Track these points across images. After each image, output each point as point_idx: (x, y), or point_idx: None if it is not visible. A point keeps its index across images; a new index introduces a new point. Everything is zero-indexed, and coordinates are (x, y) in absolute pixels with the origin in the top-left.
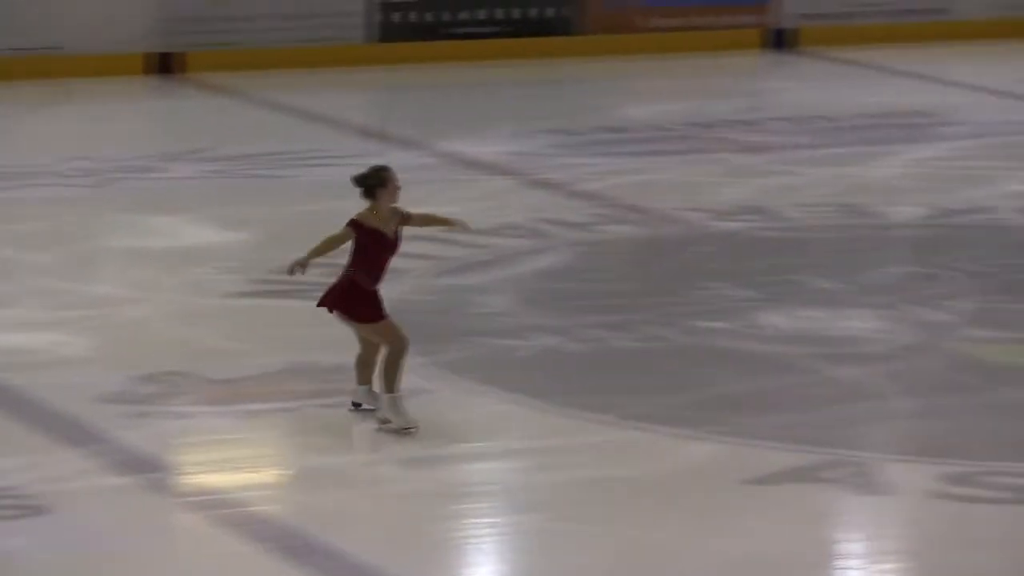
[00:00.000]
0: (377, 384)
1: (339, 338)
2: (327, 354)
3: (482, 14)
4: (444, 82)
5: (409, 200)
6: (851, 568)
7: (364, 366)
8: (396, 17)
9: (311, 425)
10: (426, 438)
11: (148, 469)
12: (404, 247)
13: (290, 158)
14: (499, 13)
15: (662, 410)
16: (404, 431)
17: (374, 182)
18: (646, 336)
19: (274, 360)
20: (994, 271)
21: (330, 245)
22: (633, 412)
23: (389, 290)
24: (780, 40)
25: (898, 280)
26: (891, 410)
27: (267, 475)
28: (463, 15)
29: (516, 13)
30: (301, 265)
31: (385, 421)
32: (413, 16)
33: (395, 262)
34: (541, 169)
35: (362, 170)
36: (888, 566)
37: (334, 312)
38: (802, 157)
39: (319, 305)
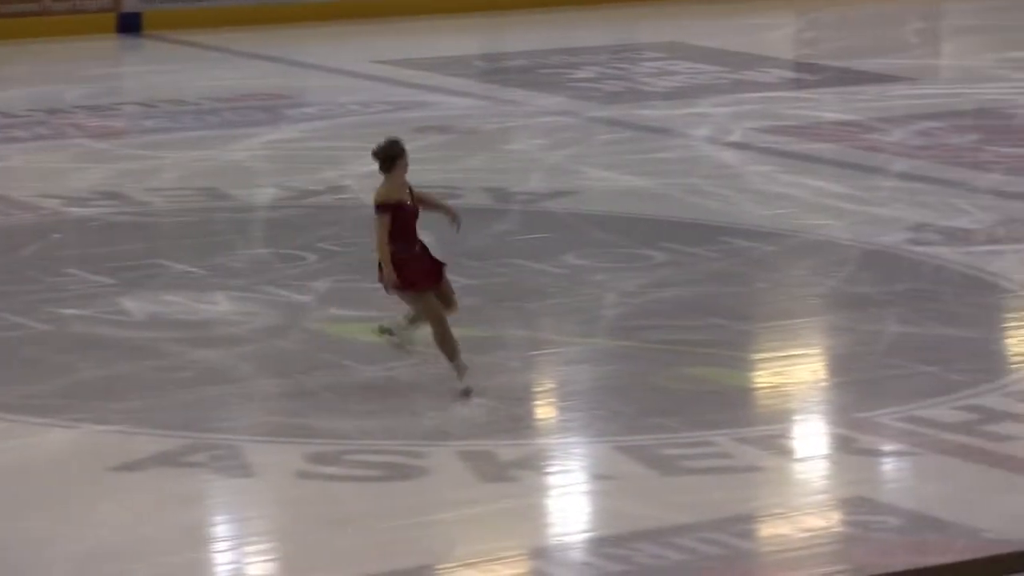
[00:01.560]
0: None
1: None
2: None
3: None
4: None
5: None
6: (219, 551)
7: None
8: None
9: None
10: None
11: None
12: None
13: None
14: None
15: (23, 399)
16: (465, 392)
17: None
18: (5, 325)
19: None
20: (350, 251)
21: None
22: None
23: None
24: (131, 24)
25: (257, 262)
26: (255, 392)
27: None
28: None
29: None
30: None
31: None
32: None
33: None
34: None
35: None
36: (257, 547)
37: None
38: (156, 141)
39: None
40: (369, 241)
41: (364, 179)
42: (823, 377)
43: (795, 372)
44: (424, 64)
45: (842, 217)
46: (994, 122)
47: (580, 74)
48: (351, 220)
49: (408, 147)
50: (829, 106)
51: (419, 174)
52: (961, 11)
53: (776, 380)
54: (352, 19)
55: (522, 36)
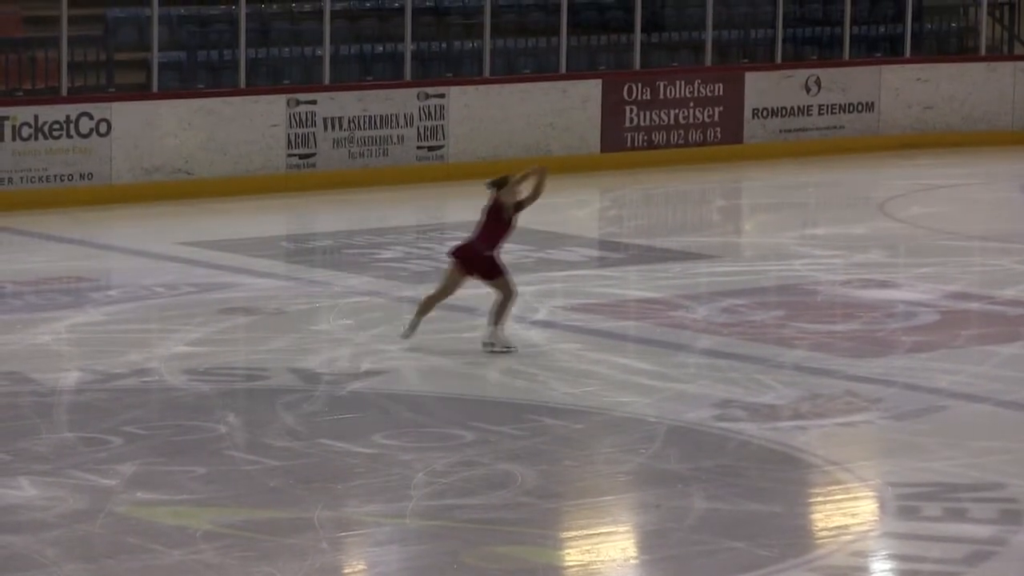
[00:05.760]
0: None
1: None
2: None
3: None
4: None
5: None
6: None
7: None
8: None
9: None
10: None
11: None
12: None
13: None
14: None
15: None
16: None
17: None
18: None
19: None
20: (155, 433)
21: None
22: None
23: None
24: None
25: (62, 446)
26: None
27: None
28: None
29: None
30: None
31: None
32: None
33: None
34: None
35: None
36: None
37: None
38: None
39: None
40: (173, 423)
41: (170, 361)
42: (632, 554)
43: (604, 550)
44: (229, 245)
45: (648, 394)
46: (797, 298)
47: (387, 254)
48: (157, 403)
49: (213, 328)
50: (634, 284)
51: (225, 355)
52: (760, 189)
53: (585, 558)
54: (156, 201)
55: (329, 217)
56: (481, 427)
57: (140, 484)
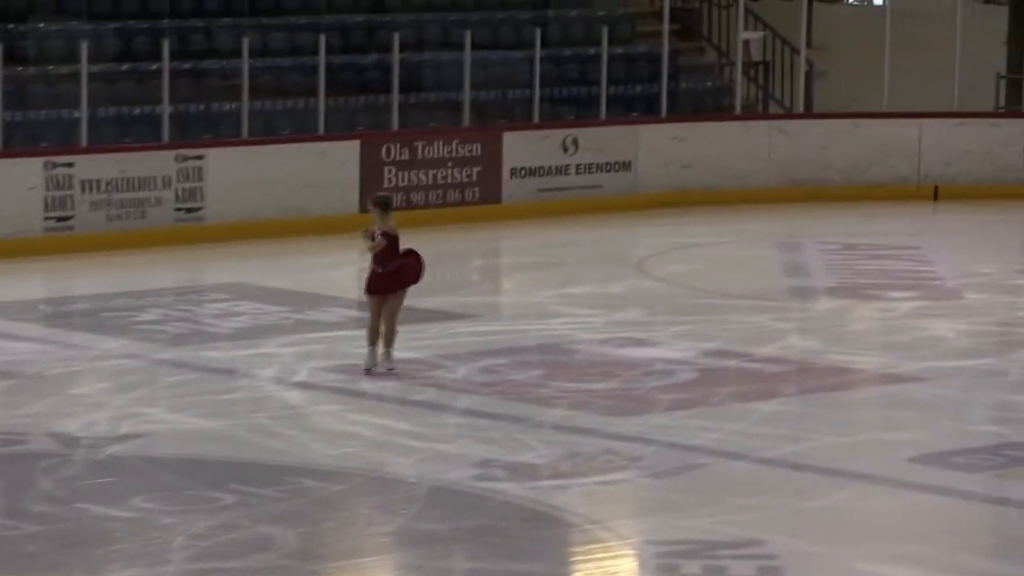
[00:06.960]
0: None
1: None
2: None
3: None
4: None
5: None
6: None
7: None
8: None
9: None
10: None
11: None
12: None
13: None
14: None
15: None
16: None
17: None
18: None
19: None
20: None
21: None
22: None
23: None
24: None
25: None
26: None
27: None
28: None
29: None
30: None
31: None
32: None
33: None
34: None
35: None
36: None
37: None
38: None
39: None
40: None
41: None
42: None
43: None
44: None
45: (408, 454)
46: (557, 357)
47: (145, 316)
48: None
49: None
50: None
51: None
52: (519, 248)
53: None
54: None
55: (87, 280)
56: (241, 489)
57: None
